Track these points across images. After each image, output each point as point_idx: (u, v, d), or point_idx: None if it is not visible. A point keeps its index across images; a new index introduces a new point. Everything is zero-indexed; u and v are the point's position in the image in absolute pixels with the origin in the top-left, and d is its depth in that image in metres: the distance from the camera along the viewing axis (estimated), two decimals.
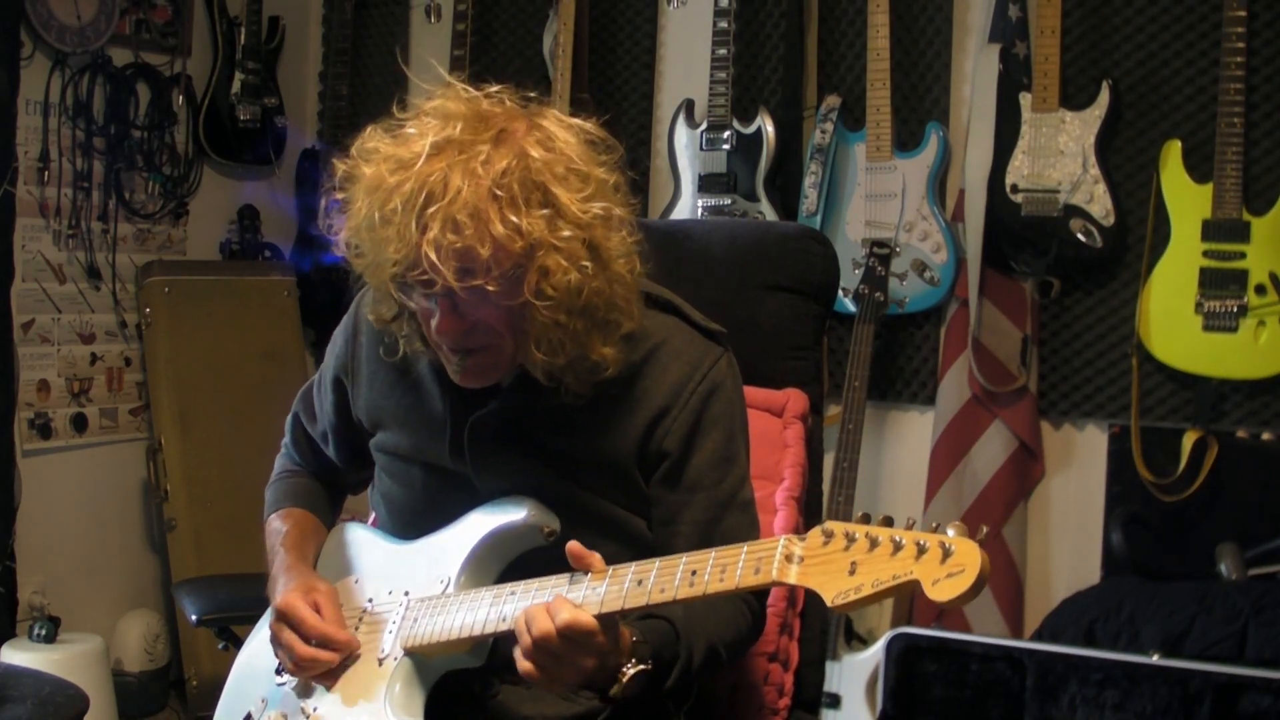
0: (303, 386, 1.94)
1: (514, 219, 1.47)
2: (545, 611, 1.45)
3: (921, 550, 1.27)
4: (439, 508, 1.71)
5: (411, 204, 1.47)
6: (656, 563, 1.46)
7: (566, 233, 1.50)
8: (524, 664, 1.47)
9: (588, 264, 1.52)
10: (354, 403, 1.81)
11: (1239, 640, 2.66)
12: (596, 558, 1.49)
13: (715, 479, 1.66)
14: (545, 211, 1.50)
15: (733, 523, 1.65)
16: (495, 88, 1.59)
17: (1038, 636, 2.90)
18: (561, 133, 1.55)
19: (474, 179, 1.47)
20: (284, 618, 1.67)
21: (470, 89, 1.58)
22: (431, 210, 1.46)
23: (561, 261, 1.50)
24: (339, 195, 1.59)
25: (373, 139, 1.56)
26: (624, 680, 1.49)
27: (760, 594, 1.71)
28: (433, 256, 1.46)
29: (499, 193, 1.47)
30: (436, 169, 1.48)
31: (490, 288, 1.49)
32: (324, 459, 1.92)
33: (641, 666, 1.50)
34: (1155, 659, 2.53)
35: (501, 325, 1.55)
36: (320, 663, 1.65)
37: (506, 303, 1.51)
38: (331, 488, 1.97)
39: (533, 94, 1.60)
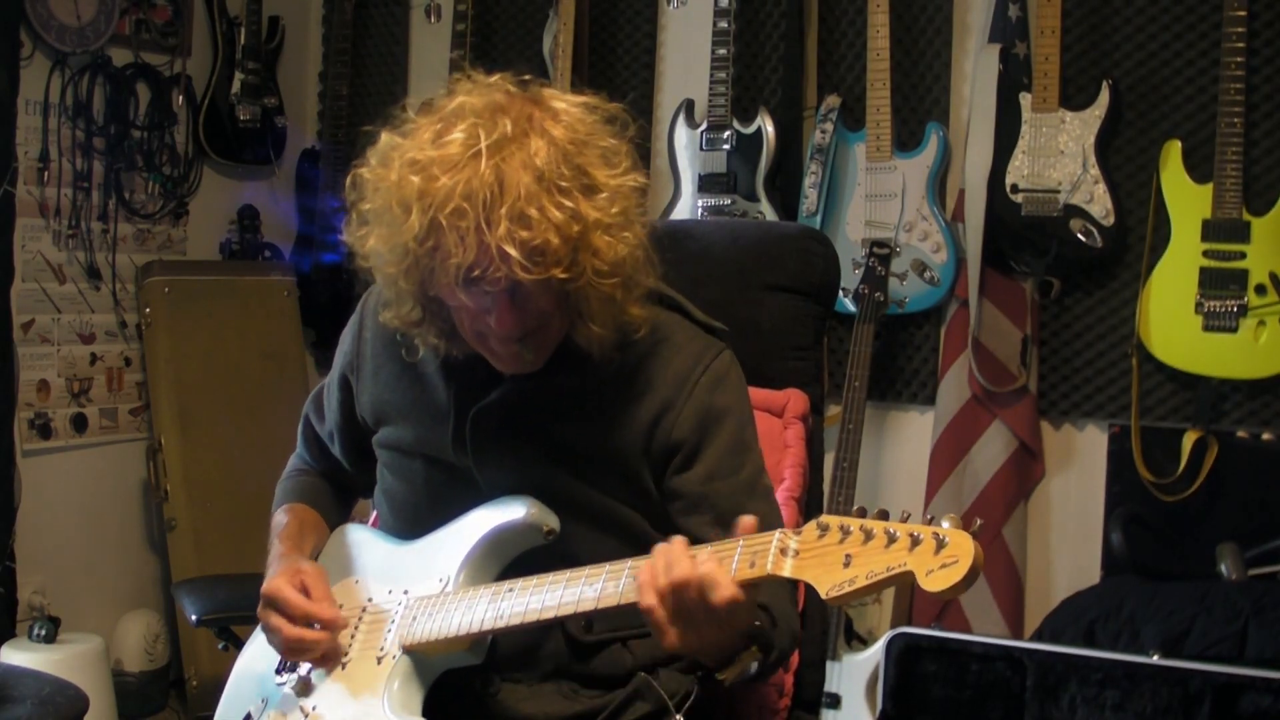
0: (315, 388, 1.95)
1: (569, 204, 1.50)
2: (690, 557, 1.41)
3: (915, 542, 1.29)
4: (441, 503, 1.71)
5: (475, 203, 1.47)
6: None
7: (614, 209, 1.54)
8: (659, 613, 1.41)
9: (629, 234, 1.56)
10: (358, 399, 1.82)
11: (1239, 640, 2.66)
12: (749, 519, 1.45)
13: (733, 466, 1.66)
14: (589, 192, 1.53)
15: (756, 510, 1.62)
16: (494, 77, 1.60)
17: (1038, 636, 2.90)
18: (574, 110, 1.58)
19: (527, 171, 1.48)
20: (270, 602, 1.67)
21: (476, 80, 1.59)
22: (500, 209, 1.47)
23: (608, 238, 1.53)
24: (364, 205, 1.58)
25: (402, 147, 1.54)
26: (738, 664, 1.49)
27: (792, 585, 1.71)
28: (508, 250, 1.47)
29: (550, 181, 1.49)
30: (487, 166, 1.48)
31: (559, 275, 1.50)
32: (332, 459, 1.93)
33: (760, 657, 1.50)
34: (1155, 659, 2.53)
35: (554, 308, 1.57)
36: (308, 642, 1.65)
37: (571, 286, 1.53)
38: (341, 488, 1.97)
39: (527, 76, 1.62)
